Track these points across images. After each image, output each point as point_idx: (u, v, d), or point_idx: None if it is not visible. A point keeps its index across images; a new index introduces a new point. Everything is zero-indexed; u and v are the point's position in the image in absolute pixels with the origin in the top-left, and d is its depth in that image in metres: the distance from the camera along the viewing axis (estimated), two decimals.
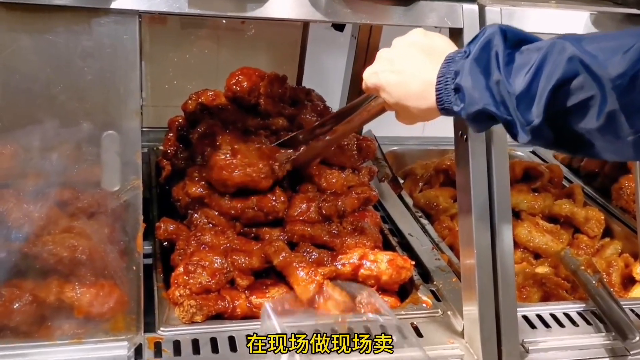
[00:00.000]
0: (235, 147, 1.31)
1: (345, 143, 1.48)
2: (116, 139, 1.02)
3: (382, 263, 1.25)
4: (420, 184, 1.76)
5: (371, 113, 1.16)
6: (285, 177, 1.39)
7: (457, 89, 0.86)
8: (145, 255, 1.40)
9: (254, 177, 1.29)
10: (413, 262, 1.27)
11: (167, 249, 1.34)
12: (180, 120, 1.66)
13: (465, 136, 1.13)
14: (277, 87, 1.62)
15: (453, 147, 2.17)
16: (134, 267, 1.04)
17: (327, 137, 1.34)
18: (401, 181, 1.79)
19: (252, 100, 1.60)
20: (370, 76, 1.00)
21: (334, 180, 1.44)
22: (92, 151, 1.05)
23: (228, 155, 1.29)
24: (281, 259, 1.21)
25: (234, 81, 1.59)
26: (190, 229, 1.34)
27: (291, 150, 1.35)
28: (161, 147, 1.76)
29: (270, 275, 1.27)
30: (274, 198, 1.33)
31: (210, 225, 1.32)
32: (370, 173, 1.53)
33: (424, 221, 1.56)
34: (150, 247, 1.37)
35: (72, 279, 1.13)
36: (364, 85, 1.04)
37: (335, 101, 1.93)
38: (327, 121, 1.38)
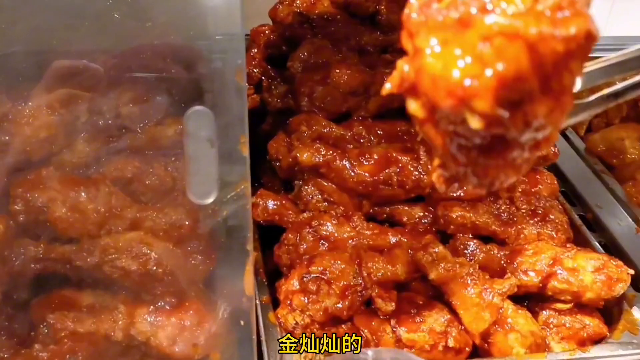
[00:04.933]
0: None
1: None
2: (208, 118, 0.61)
3: (586, 273, 0.85)
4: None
5: None
6: None
7: None
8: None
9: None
10: (631, 272, 0.87)
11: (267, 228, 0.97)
12: (268, 32, 1.22)
13: None
14: None
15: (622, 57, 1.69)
16: (242, 321, 0.67)
17: None
18: None
19: (370, 7, 1.14)
20: None
21: None
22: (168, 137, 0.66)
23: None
24: (441, 271, 0.82)
25: None
26: (297, 204, 0.96)
27: None
28: None
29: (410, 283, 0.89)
30: (418, 166, 0.92)
31: (327, 203, 0.93)
32: None
33: (609, 179, 1.12)
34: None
35: (145, 300, 0.80)
36: None
37: None
38: None
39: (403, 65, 0.41)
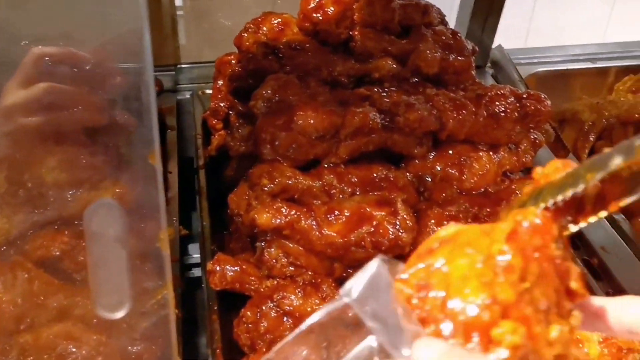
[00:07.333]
0: None
1: (504, 108, 0.91)
2: (117, 213, 0.50)
3: (592, 344, 0.73)
4: (591, 137, 1.18)
5: None
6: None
7: None
8: (192, 282, 0.95)
9: None
10: None
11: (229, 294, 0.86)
12: (234, 62, 1.11)
13: None
14: (379, 9, 1.02)
15: (624, 63, 1.56)
16: None
17: None
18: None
19: (342, 34, 1.02)
20: None
21: (481, 173, 0.89)
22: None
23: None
24: None
25: (314, 5, 1.01)
26: (260, 267, 0.84)
27: None
28: (209, 92, 1.25)
29: None
30: (396, 222, 0.81)
31: (293, 267, 0.82)
32: (535, 145, 0.97)
33: (616, 215, 1.00)
34: (198, 272, 0.92)
35: None
36: None
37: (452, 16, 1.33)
38: None
39: None
